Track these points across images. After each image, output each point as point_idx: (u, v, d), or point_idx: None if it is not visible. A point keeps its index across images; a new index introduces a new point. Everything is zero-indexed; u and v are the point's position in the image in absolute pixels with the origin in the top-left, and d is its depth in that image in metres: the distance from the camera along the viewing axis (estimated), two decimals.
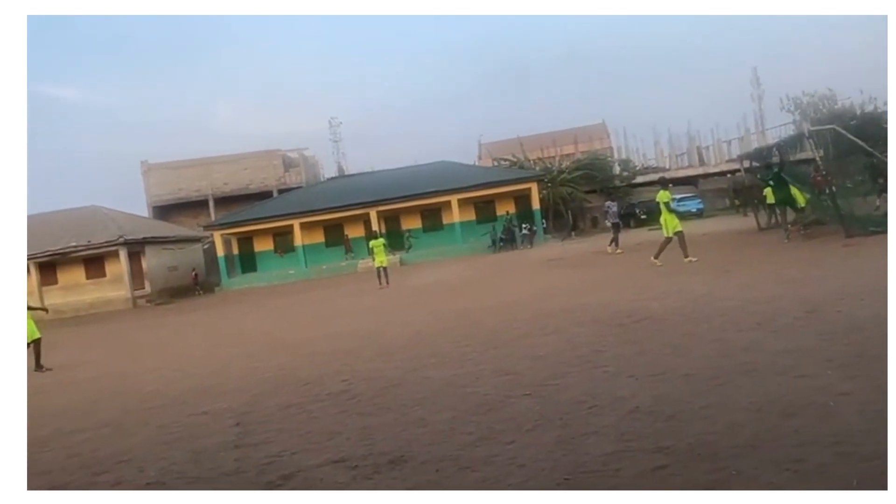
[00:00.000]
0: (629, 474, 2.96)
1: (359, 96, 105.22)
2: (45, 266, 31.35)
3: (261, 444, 4.27)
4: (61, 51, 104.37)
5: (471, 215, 34.14)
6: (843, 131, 14.48)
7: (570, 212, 37.93)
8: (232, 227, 34.80)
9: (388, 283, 18.23)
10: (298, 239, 33.27)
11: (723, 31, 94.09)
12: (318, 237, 34.78)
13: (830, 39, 79.37)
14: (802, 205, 15.03)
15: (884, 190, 14.18)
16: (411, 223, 34.97)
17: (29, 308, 10.44)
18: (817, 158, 14.90)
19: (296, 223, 33.08)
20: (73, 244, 31.24)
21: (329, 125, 56.64)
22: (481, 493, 2.98)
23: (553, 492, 2.89)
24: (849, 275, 8.19)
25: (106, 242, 31.07)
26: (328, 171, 53.70)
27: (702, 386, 4.17)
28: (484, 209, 34.38)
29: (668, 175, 32.17)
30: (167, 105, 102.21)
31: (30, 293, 11.02)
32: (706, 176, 41.85)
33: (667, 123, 76.83)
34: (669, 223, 12.81)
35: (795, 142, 17.25)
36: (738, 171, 29.26)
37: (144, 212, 45.71)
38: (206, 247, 38.17)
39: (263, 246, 35.70)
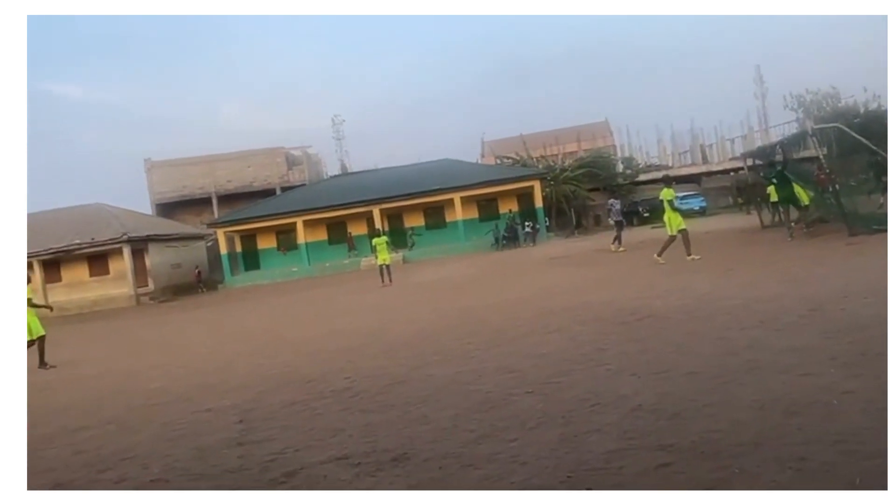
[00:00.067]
0: (632, 472, 2.96)
1: (362, 94, 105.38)
2: (49, 263, 31.45)
3: (264, 441, 4.28)
4: (65, 49, 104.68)
5: (474, 213, 34.14)
6: (847, 129, 14.41)
7: (572, 210, 37.89)
8: (235, 225, 34.86)
9: (391, 280, 18.25)
10: (301, 237, 33.32)
11: (726, 29, 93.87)
12: (322, 235, 34.83)
13: (834, 37, 79.15)
14: (806, 203, 14.99)
15: (888, 188, 14.12)
16: (414, 221, 34.99)
17: (33, 305, 10.47)
18: (821, 156, 14.84)
19: (299, 221, 33.13)
20: (77, 242, 31.32)
21: (332, 123, 56.72)
22: (483, 494, 2.99)
23: (555, 492, 2.90)
24: (852, 273, 8.17)
25: (110, 240, 31.15)
26: (331, 169, 53.85)
27: (705, 384, 4.17)
28: (487, 207, 34.38)
29: (671, 173, 32.07)
30: (171, 103, 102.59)
31: (34, 291, 11.05)
32: (709, 174, 41.77)
33: (670, 121, 77.01)
34: (673, 221, 12.79)
35: (799, 140, 17.20)
36: (742, 169, 29.17)
37: (148, 209, 45.83)
38: (209, 244, 38.26)
39: (267, 243, 35.77)
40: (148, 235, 33.01)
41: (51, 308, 12.95)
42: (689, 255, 12.34)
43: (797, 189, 14.76)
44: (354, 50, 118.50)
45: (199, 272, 34.65)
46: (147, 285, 32.18)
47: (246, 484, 3.53)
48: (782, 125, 41.62)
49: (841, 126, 15.15)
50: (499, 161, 42.46)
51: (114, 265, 32.16)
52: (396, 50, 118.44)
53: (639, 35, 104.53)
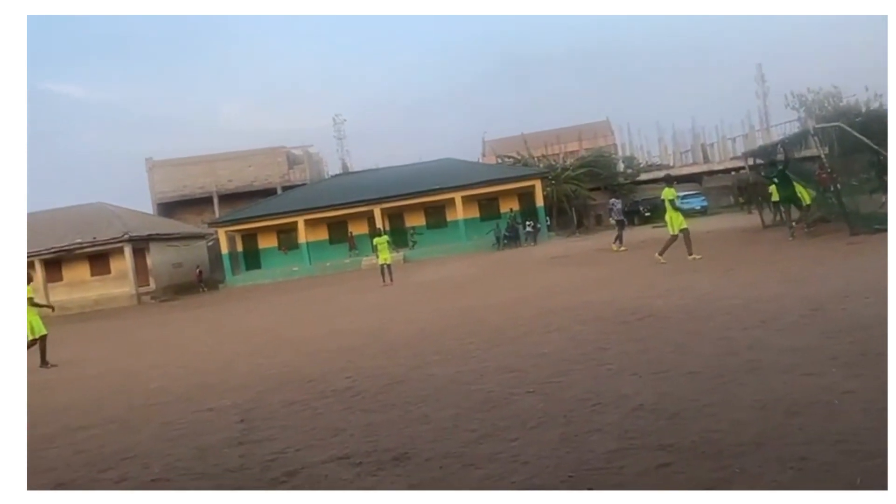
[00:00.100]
0: (632, 472, 2.96)
1: (363, 93, 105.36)
2: (51, 263, 31.47)
3: (265, 440, 4.29)
4: (65, 49, 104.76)
5: (475, 212, 34.14)
6: (849, 128, 14.38)
7: (573, 209, 37.86)
8: (236, 224, 34.88)
9: (391, 280, 18.26)
10: (302, 236, 33.34)
11: (727, 28, 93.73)
12: (322, 234, 34.84)
13: (835, 36, 79.05)
14: (808, 202, 14.97)
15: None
16: (415, 220, 35.00)
17: (35, 305, 10.48)
18: (822, 156, 14.83)
19: (300, 220, 33.14)
20: (79, 241, 31.36)
21: (333, 122, 56.75)
22: (484, 493, 2.99)
23: (556, 492, 2.90)
24: (853, 273, 8.16)
25: (111, 239, 31.18)
26: (332, 169, 53.88)
27: (706, 384, 4.17)
28: (488, 206, 34.37)
29: (672, 172, 32.07)
30: (172, 102, 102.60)
31: (35, 290, 11.07)
32: (710, 173, 41.73)
33: (671, 120, 76.84)
34: (675, 221, 12.79)
35: (800, 139, 17.17)
36: (743, 168, 29.16)
37: (149, 209, 45.85)
38: (210, 244, 38.28)
39: (267, 243, 35.79)
40: (149, 235, 33.04)
41: (52, 308, 12.97)
42: (691, 254, 12.34)
43: (798, 188, 14.74)
44: (355, 50, 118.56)
45: (200, 272, 34.67)
46: (148, 285, 32.21)
47: (247, 483, 3.54)
48: (784, 124, 41.59)
49: (842, 125, 15.10)
50: (500, 160, 42.44)
51: (115, 264, 32.19)
52: (397, 49, 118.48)
53: (640, 34, 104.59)
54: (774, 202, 17.26)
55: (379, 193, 32.91)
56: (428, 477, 3.25)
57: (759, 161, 21.01)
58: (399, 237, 32.90)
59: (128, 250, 31.19)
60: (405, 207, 33.87)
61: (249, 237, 35.89)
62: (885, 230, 11.53)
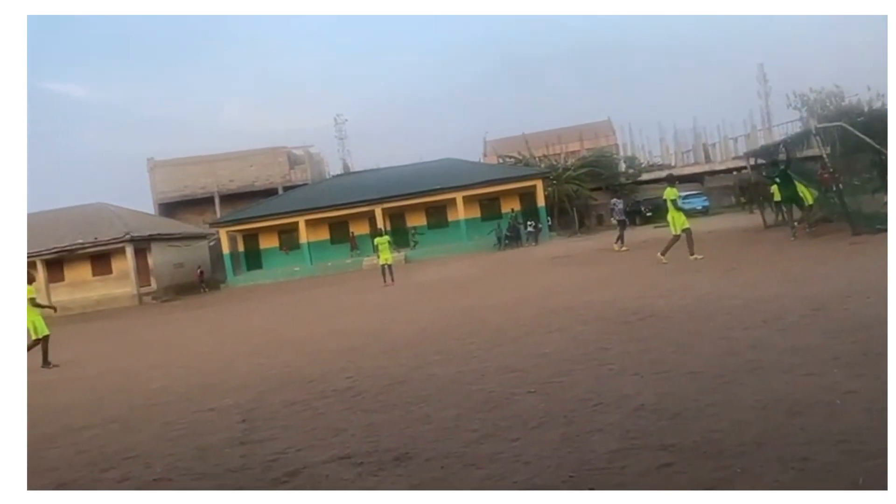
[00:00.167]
0: (634, 472, 2.95)
1: (364, 93, 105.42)
2: (52, 263, 31.52)
3: (266, 440, 4.29)
4: (65, 49, 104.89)
5: (476, 213, 34.13)
6: (851, 128, 14.36)
7: (575, 209, 37.85)
8: (237, 225, 34.91)
9: (392, 280, 18.26)
10: (304, 236, 33.35)
11: (729, 28, 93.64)
12: (324, 234, 34.85)
13: (837, 36, 78.95)
14: (811, 202, 14.95)
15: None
16: (416, 220, 35.00)
17: (37, 305, 10.49)
18: (824, 155, 14.80)
19: (301, 220, 33.15)
20: (80, 241, 31.41)
21: (334, 122, 56.67)
22: (485, 493, 2.98)
23: (557, 492, 2.89)
24: (855, 273, 8.15)
25: (112, 239, 31.22)
26: (333, 169, 53.90)
27: (707, 384, 4.16)
28: (489, 206, 34.36)
29: (673, 172, 32.07)
30: (173, 102, 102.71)
31: (37, 290, 11.09)
32: (712, 173, 41.71)
33: (672, 120, 76.26)
34: (677, 220, 12.78)
35: (802, 139, 17.14)
36: (745, 168, 29.14)
37: (150, 209, 45.91)
38: (211, 244, 38.31)
39: (269, 243, 35.81)
40: (150, 235, 33.07)
41: (55, 309, 12.97)
42: (692, 254, 12.33)
43: (800, 188, 14.73)
44: (355, 50, 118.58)
45: (201, 272, 34.70)
46: (150, 285, 32.24)
47: (248, 483, 3.54)
48: (786, 124, 41.57)
49: (844, 125, 15.08)
50: (501, 160, 42.44)
51: (116, 265, 32.24)
52: (397, 49, 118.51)
53: (641, 34, 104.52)
54: (776, 202, 17.24)
55: (380, 193, 32.91)
56: (429, 477, 3.25)
57: (760, 161, 21.00)
58: (400, 237, 32.91)
59: (129, 250, 31.23)
60: (406, 207, 33.88)
61: (251, 237, 35.92)
62: (888, 230, 11.51)
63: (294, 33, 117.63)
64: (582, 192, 37.87)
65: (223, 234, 34.44)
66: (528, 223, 31.83)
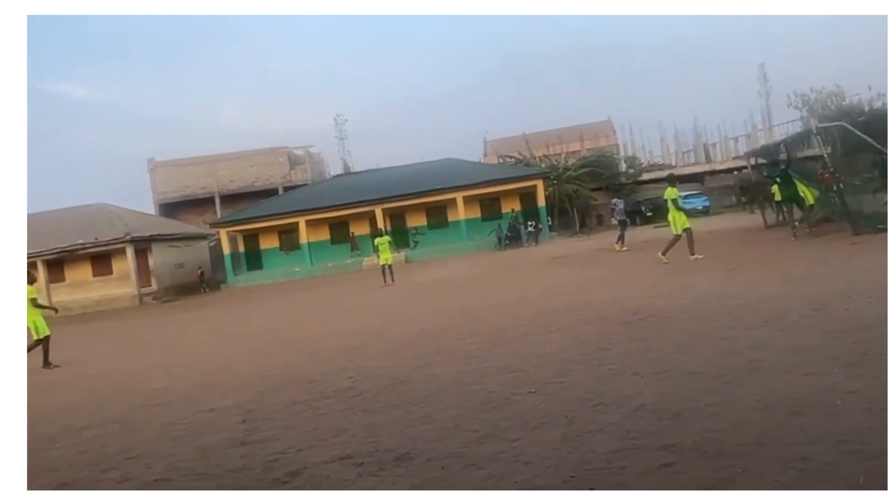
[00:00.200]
0: (634, 472, 2.95)
1: (364, 94, 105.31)
2: (53, 263, 31.52)
3: (267, 440, 4.29)
4: (65, 49, 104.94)
5: (476, 213, 34.13)
6: (852, 128, 14.36)
7: (575, 209, 37.86)
8: (238, 225, 34.92)
9: (393, 280, 18.27)
10: (304, 236, 33.36)
11: (729, 28, 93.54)
12: (324, 235, 34.86)
13: (838, 35, 78.83)
14: (811, 202, 14.94)
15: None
16: (417, 220, 35.00)
17: (38, 306, 10.49)
18: (825, 155, 14.81)
19: (301, 221, 33.15)
20: (81, 242, 31.41)
21: (335, 122, 56.64)
22: (486, 494, 2.98)
23: (557, 492, 2.89)
24: (856, 273, 8.15)
25: (113, 240, 31.23)
26: (334, 169, 53.90)
27: (708, 384, 4.16)
28: (489, 206, 34.36)
29: (674, 172, 32.05)
30: (173, 103, 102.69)
31: (38, 290, 11.07)
32: (712, 173, 41.71)
33: (673, 120, 76.41)
34: (678, 220, 12.78)
35: (803, 138, 17.14)
36: (745, 168, 29.15)
37: (151, 209, 45.93)
38: (212, 244, 38.32)
39: (269, 243, 35.81)
40: (151, 235, 33.08)
41: (56, 310, 12.95)
42: (693, 254, 12.33)
43: (801, 188, 14.72)
44: (355, 50, 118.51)
45: (201, 272, 34.71)
46: (150, 285, 32.25)
47: (249, 484, 3.54)
48: (786, 124, 41.54)
49: (845, 125, 15.08)
50: (501, 160, 42.44)
51: (117, 265, 32.24)
52: (398, 49, 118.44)
53: (641, 34, 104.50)
54: (777, 202, 17.24)
55: (380, 194, 32.92)
56: (429, 477, 3.25)
57: (761, 161, 21.02)
58: (400, 237, 32.91)
59: (130, 251, 31.23)
60: (407, 208, 33.88)
61: (251, 237, 35.93)
62: (888, 230, 11.51)
63: (294, 33, 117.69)
64: (582, 192, 37.87)
65: (223, 234, 34.45)
66: (529, 223, 31.83)
